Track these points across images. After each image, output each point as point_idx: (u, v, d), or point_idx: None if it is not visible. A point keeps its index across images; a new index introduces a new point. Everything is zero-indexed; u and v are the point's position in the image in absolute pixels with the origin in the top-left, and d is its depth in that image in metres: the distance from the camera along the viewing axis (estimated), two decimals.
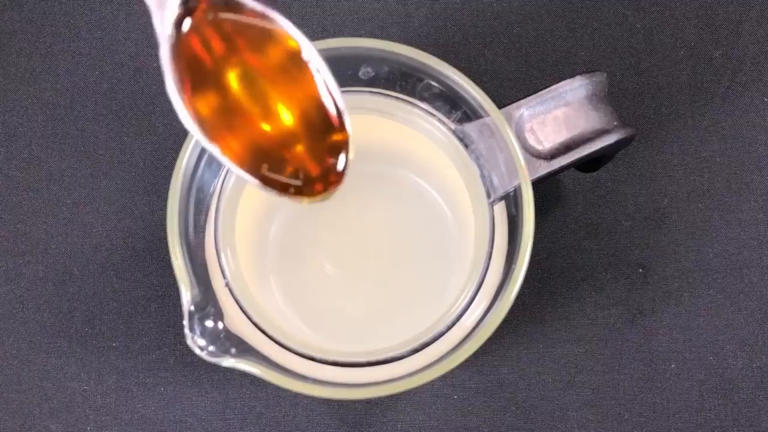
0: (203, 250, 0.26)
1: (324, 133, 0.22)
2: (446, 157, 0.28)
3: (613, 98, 0.28)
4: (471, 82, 0.26)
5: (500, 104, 0.26)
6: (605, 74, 0.27)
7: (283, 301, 0.28)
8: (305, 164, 0.22)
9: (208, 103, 0.21)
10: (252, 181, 0.22)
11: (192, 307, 0.24)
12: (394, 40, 0.26)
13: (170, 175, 0.25)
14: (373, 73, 0.27)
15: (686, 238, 0.33)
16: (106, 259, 0.32)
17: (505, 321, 0.24)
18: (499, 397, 0.31)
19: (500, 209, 0.27)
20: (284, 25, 0.21)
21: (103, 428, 0.31)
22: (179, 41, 0.21)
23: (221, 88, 0.21)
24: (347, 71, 0.27)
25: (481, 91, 0.26)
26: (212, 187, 0.27)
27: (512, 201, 0.26)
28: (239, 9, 0.21)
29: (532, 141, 0.27)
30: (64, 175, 0.33)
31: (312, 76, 0.22)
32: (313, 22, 0.34)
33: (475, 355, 0.24)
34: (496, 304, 0.25)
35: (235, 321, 0.25)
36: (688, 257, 0.32)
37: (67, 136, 0.33)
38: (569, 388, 0.31)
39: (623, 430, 0.31)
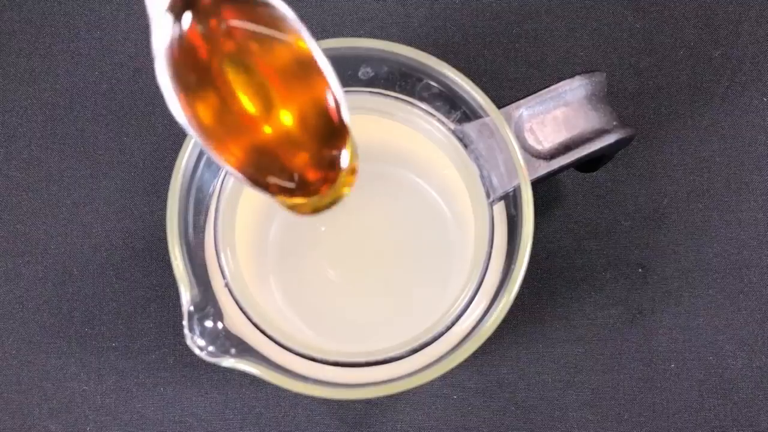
0: (203, 251, 0.26)
1: (326, 135, 0.22)
2: (446, 157, 0.28)
3: (612, 98, 0.28)
4: (470, 82, 0.26)
5: (500, 104, 0.26)
6: (604, 74, 0.27)
7: (283, 302, 0.28)
8: (308, 167, 0.22)
9: (205, 102, 0.21)
10: (246, 182, 0.21)
11: (191, 308, 0.24)
12: (393, 40, 0.26)
13: (170, 176, 0.25)
14: (372, 74, 0.27)
15: (686, 238, 0.33)
16: (106, 259, 0.32)
17: (505, 321, 0.24)
18: (499, 397, 0.31)
19: (500, 209, 0.27)
20: (286, 13, 0.20)
21: (102, 428, 0.31)
22: (178, 36, 0.20)
23: (217, 85, 0.21)
24: (347, 71, 0.27)
25: (480, 91, 0.26)
26: (212, 187, 0.27)
27: (512, 201, 0.26)
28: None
29: (531, 141, 0.27)
30: (63, 176, 0.33)
31: (316, 76, 0.21)
32: (312, 22, 0.34)
33: (475, 355, 0.24)
34: (496, 304, 0.25)
35: (235, 321, 0.25)
36: (687, 257, 0.32)
37: (67, 137, 0.33)
38: (569, 388, 0.31)
39: (623, 430, 0.31)
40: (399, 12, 0.34)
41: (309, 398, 0.31)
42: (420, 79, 0.26)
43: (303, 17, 0.35)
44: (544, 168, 0.26)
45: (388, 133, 0.29)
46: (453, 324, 0.26)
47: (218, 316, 0.25)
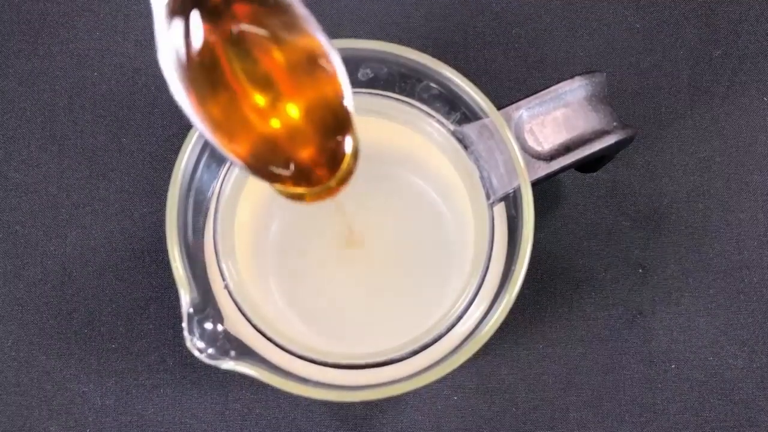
0: (202, 252, 0.26)
1: (331, 123, 0.21)
2: (446, 159, 0.28)
3: (612, 98, 0.28)
4: (470, 83, 0.26)
5: (499, 105, 0.26)
6: (605, 74, 0.27)
7: (283, 303, 0.28)
8: (312, 157, 0.22)
9: (210, 91, 0.20)
10: (249, 172, 0.21)
11: (191, 310, 0.24)
12: (392, 41, 0.26)
13: (169, 177, 0.25)
14: (372, 75, 0.27)
15: (686, 238, 0.33)
16: (105, 260, 0.32)
17: (505, 321, 0.24)
18: (499, 398, 0.31)
19: (500, 210, 0.27)
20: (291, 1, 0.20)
21: (102, 430, 0.31)
22: (183, 24, 0.19)
23: (224, 75, 0.20)
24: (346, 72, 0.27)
25: (480, 92, 0.26)
26: (211, 189, 0.27)
27: (512, 202, 0.26)
28: None
29: (531, 142, 0.27)
30: (62, 177, 0.33)
31: (318, 63, 0.21)
32: None
33: (475, 356, 0.24)
34: (497, 305, 0.25)
35: (235, 323, 0.25)
36: (687, 257, 0.32)
37: (66, 138, 0.33)
38: (569, 388, 0.31)
39: (623, 430, 0.31)
40: (398, 12, 0.34)
41: (309, 399, 0.31)
42: (420, 81, 0.26)
43: None
44: (544, 169, 0.26)
45: (388, 134, 0.29)
46: (453, 325, 0.26)
47: (218, 318, 0.25)
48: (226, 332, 0.24)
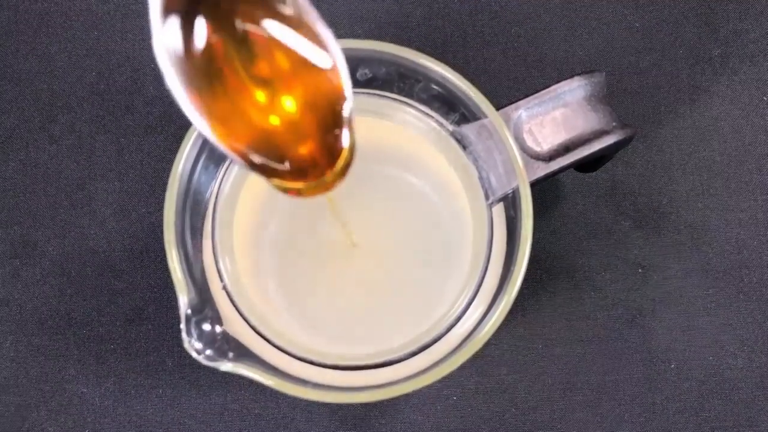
0: (201, 254, 0.26)
1: (330, 117, 0.21)
2: (444, 159, 0.28)
3: (612, 98, 0.28)
4: (469, 84, 0.25)
5: (498, 105, 0.26)
6: (604, 74, 0.27)
7: (281, 304, 0.28)
8: (312, 153, 0.21)
9: (208, 87, 0.20)
10: (242, 164, 0.20)
11: (189, 311, 0.24)
12: (391, 40, 0.26)
13: (167, 178, 0.25)
14: (370, 75, 0.27)
15: (686, 238, 0.32)
16: (104, 261, 0.32)
17: (505, 322, 0.24)
18: (499, 398, 0.31)
19: (499, 210, 0.27)
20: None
21: (101, 430, 0.31)
22: (180, 17, 0.19)
23: (222, 69, 0.20)
24: None
25: (478, 93, 0.25)
26: (209, 190, 0.27)
27: (511, 202, 0.26)
28: None
29: (530, 142, 0.26)
30: (61, 177, 0.33)
31: (325, 62, 0.21)
32: None
33: (475, 356, 0.24)
34: (496, 305, 0.25)
35: (233, 324, 0.25)
36: (687, 257, 0.32)
37: (64, 138, 0.33)
38: (569, 388, 0.31)
39: (623, 430, 0.31)
40: (397, 11, 0.34)
41: (308, 400, 0.30)
42: (418, 81, 0.26)
43: None
44: (543, 169, 0.26)
45: (387, 134, 0.29)
46: (453, 326, 0.25)
47: (216, 319, 0.24)
48: (224, 333, 0.24)
